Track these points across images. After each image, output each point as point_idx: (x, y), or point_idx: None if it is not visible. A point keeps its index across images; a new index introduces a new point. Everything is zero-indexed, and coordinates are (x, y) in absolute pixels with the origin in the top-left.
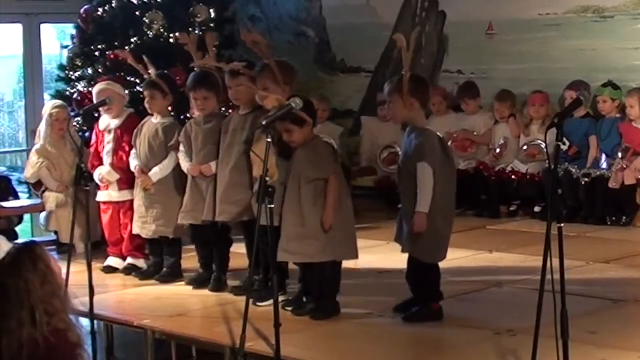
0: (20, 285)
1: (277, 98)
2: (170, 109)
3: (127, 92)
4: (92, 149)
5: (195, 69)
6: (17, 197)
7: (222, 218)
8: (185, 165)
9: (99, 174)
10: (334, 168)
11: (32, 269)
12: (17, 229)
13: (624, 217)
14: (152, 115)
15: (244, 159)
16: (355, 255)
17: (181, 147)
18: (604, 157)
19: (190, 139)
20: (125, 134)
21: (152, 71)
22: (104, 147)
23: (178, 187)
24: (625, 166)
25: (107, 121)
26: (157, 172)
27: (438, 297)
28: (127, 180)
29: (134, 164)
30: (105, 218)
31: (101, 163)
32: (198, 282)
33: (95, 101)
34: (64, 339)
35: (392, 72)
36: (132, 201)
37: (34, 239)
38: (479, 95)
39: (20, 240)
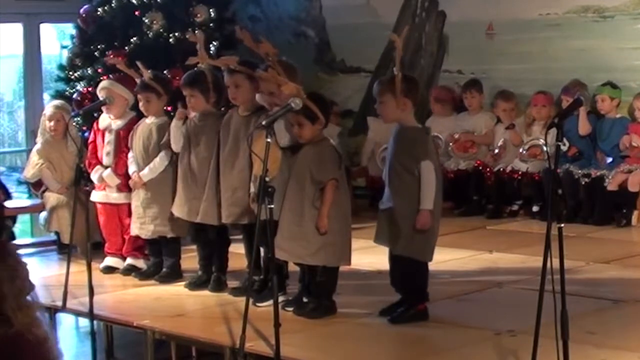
0: None
1: (295, 86)
2: (165, 108)
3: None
4: (90, 146)
5: (198, 66)
6: (9, 196)
7: (230, 220)
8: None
9: (98, 175)
10: (334, 173)
11: (2, 264)
12: (15, 229)
13: (624, 218)
14: (147, 116)
15: (249, 162)
16: (347, 262)
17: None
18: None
19: (188, 137)
20: (128, 137)
21: (145, 74)
22: (103, 146)
23: (174, 187)
24: (624, 170)
25: (108, 121)
26: (147, 173)
27: (424, 297)
28: (127, 184)
29: (132, 168)
30: (102, 219)
31: (98, 161)
32: (196, 285)
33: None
34: (32, 334)
35: (391, 72)
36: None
37: (34, 239)
38: (482, 92)
39: (17, 241)
